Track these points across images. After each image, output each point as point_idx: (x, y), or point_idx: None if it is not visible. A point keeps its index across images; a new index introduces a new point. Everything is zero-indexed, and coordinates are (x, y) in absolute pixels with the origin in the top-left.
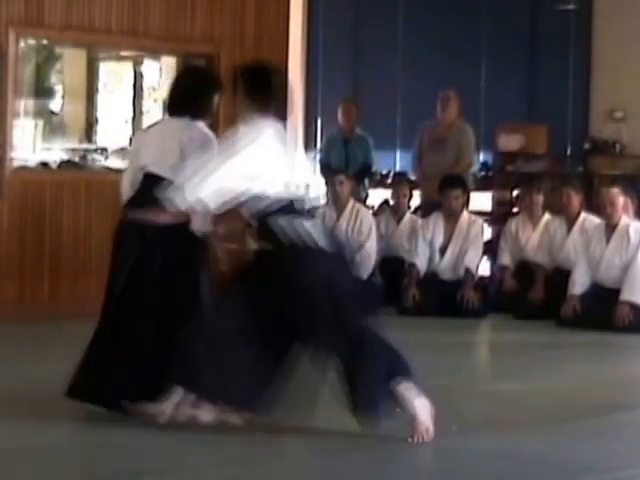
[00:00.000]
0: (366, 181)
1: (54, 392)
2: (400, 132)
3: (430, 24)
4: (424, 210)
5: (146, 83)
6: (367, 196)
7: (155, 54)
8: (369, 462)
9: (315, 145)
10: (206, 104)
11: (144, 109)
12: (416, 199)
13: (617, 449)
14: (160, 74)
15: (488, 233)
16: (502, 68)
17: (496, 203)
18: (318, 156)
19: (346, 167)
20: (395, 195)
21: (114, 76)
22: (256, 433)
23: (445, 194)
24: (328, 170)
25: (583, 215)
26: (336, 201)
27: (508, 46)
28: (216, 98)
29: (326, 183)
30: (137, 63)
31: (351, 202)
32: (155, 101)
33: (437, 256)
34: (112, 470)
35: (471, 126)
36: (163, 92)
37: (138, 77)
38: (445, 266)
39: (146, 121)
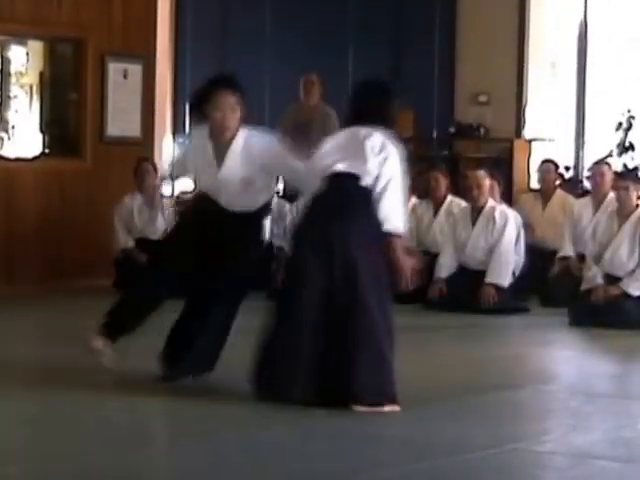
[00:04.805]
0: None
1: None
2: (269, 116)
3: (298, 9)
4: (289, 194)
5: (13, 68)
6: None
7: (22, 39)
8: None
9: (183, 132)
10: None
11: (11, 94)
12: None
13: (480, 429)
14: (27, 59)
15: None
16: (368, 52)
17: None
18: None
19: None
20: None
21: None
22: None
23: None
24: None
25: (449, 198)
26: None
27: (374, 30)
28: None
29: None
30: (3, 48)
31: None
32: (22, 86)
33: None
34: None
35: (338, 111)
36: (30, 77)
37: (5, 62)
38: None
39: (13, 106)
